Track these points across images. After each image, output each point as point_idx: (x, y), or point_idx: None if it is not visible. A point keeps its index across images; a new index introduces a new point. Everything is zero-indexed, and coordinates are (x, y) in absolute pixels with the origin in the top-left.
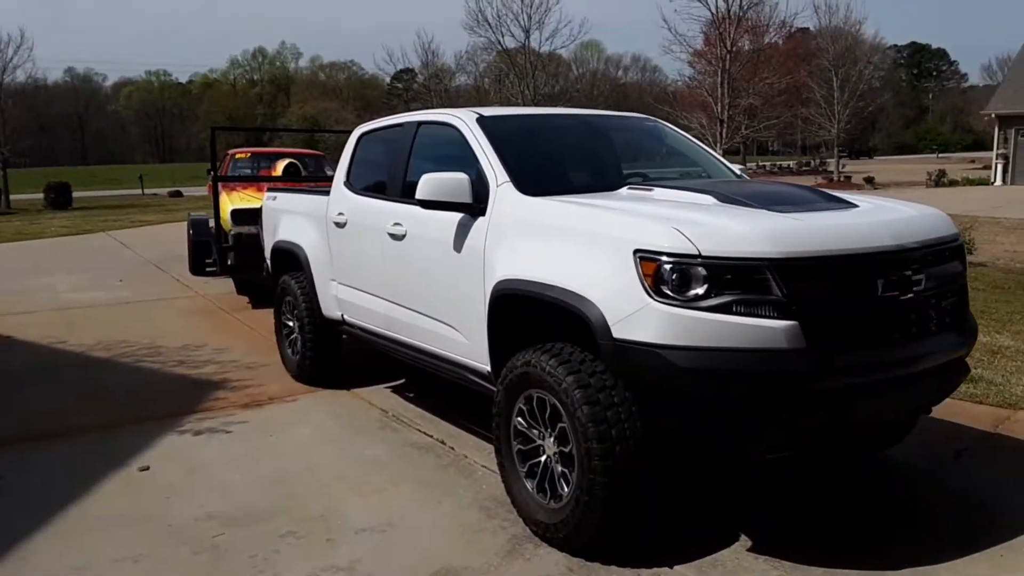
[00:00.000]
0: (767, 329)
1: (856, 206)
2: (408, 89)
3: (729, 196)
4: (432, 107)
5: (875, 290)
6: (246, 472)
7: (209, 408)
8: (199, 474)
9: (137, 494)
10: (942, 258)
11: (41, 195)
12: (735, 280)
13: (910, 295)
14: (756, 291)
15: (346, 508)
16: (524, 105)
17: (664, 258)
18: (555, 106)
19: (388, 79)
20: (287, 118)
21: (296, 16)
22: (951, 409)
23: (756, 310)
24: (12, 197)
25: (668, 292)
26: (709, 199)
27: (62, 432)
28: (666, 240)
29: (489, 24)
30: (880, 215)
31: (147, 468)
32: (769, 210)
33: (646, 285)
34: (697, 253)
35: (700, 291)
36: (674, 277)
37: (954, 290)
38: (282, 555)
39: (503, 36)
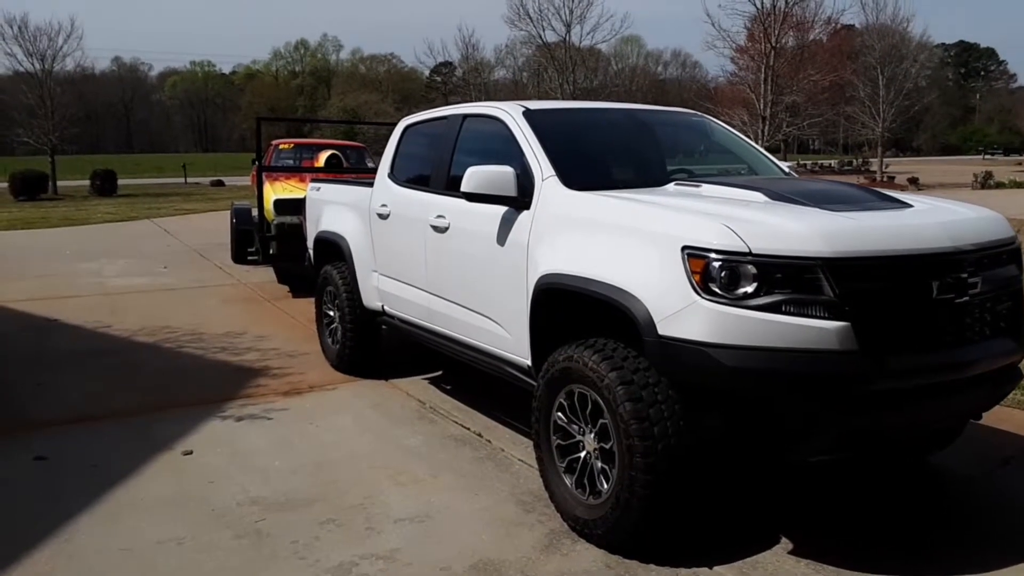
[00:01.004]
0: (818, 330)
1: (911, 206)
2: (447, 82)
3: (780, 194)
4: (471, 100)
5: (929, 292)
6: (287, 459)
7: (251, 395)
8: (241, 459)
9: (180, 477)
10: (999, 261)
11: (87, 182)
12: (786, 279)
13: (965, 298)
14: (807, 291)
15: (385, 497)
16: (562, 99)
17: (713, 255)
18: (594, 101)
19: (427, 72)
20: (328, 110)
21: (338, 8)
22: (999, 415)
23: (807, 310)
24: (60, 183)
25: (716, 290)
26: (759, 196)
27: (106, 415)
28: (716, 237)
29: (530, 18)
30: (936, 216)
31: (191, 452)
32: (822, 208)
33: (694, 282)
34: (747, 251)
35: (749, 289)
36: (723, 275)
37: (1010, 294)
38: (323, 542)
39: (544, 30)
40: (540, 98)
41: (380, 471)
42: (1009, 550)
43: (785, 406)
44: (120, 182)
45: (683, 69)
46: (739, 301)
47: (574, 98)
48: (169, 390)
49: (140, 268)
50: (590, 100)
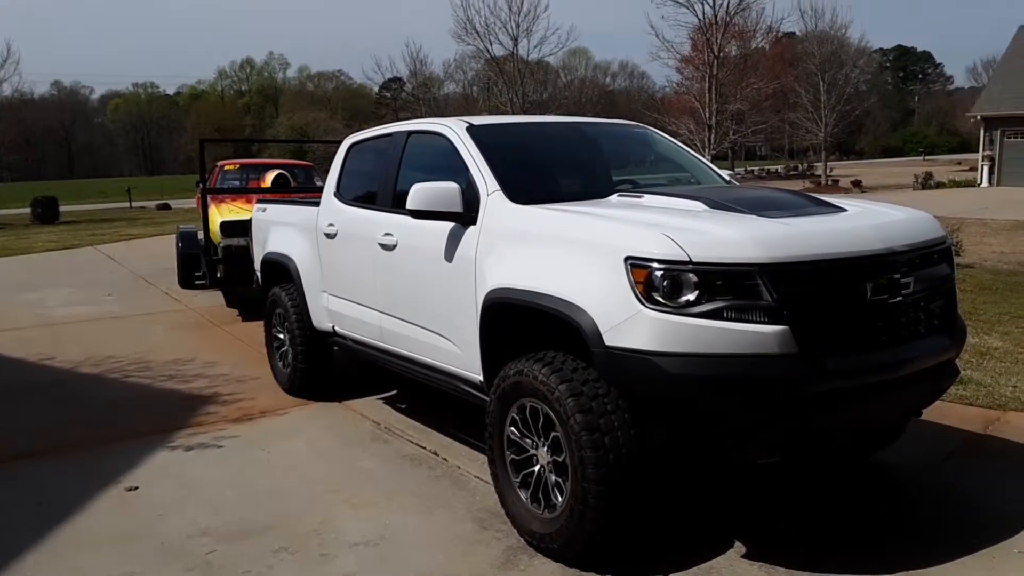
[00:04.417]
0: (758, 334)
1: (844, 210)
2: (396, 98)
3: (719, 202)
4: (421, 116)
5: (864, 294)
6: (239, 487)
7: (200, 423)
8: (191, 490)
9: (129, 511)
10: (930, 261)
11: (28, 210)
12: (726, 286)
13: (899, 298)
14: (747, 296)
15: (340, 522)
16: (513, 113)
17: (655, 265)
18: (544, 113)
19: (376, 88)
20: (275, 129)
21: (284, 26)
22: (941, 411)
23: (747, 315)
24: None
25: (659, 299)
26: (699, 205)
27: (51, 450)
28: (657, 247)
29: (477, 32)
30: (868, 219)
31: (135, 488)
32: (758, 215)
33: (637, 292)
34: (688, 259)
35: (691, 297)
36: (665, 284)
37: (943, 292)
38: (276, 571)
39: (491, 44)
40: (491, 111)
41: (334, 495)
42: (956, 541)
43: (729, 410)
44: (62, 208)
45: (631, 80)
46: (682, 309)
47: (524, 111)
48: (116, 422)
49: (84, 297)
50: (540, 112)
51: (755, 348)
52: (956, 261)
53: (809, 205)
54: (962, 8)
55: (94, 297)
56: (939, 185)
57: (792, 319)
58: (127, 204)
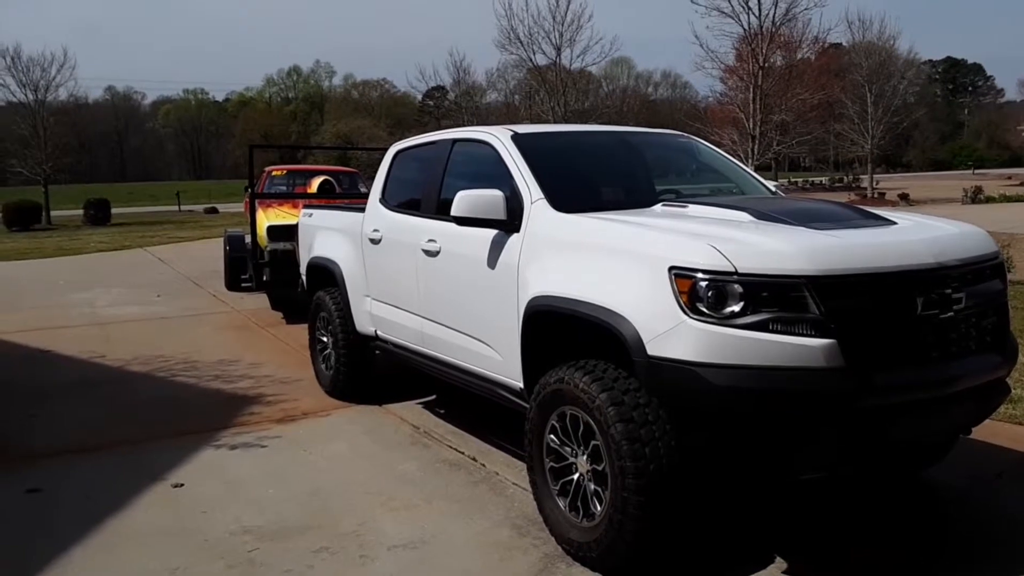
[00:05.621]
0: (804, 347)
1: (895, 223)
2: (439, 106)
3: (765, 213)
4: (463, 124)
5: (914, 308)
6: (280, 487)
7: (244, 423)
8: (235, 488)
9: (174, 508)
10: (982, 276)
11: (81, 211)
12: (772, 298)
13: (950, 314)
14: (793, 309)
15: (379, 524)
16: (554, 122)
17: (700, 275)
18: (585, 123)
19: (420, 96)
20: (321, 135)
21: (330, 35)
22: (991, 430)
23: (793, 328)
24: (53, 213)
25: (704, 309)
26: (745, 216)
27: (99, 446)
28: (702, 257)
29: (521, 42)
30: (919, 232)
31: (182, 485)
32: (806, 227)
33: (681, 302)
34: (733, 270)
35: (736, 308)
36: (710, 294)
37: (995, 309)
38: (316, 571)
39: (534, 53)
40: (532, 120)
41: (374, 498)
42: (1004, 562)
43: (774, 424)
44: (114, 211)
45: (673, 90)
46: (726, 320)
47: (566, 120)
48: (163, 420)
49: (133, 297)
50: (582, 122)
51: (801, 361)
52: (1008, 277)
53: (858, 218)
54: (1013, 20)
55: (143, 298)
56: (988, 199)
57: (839, 333)
58: (176, 207)
